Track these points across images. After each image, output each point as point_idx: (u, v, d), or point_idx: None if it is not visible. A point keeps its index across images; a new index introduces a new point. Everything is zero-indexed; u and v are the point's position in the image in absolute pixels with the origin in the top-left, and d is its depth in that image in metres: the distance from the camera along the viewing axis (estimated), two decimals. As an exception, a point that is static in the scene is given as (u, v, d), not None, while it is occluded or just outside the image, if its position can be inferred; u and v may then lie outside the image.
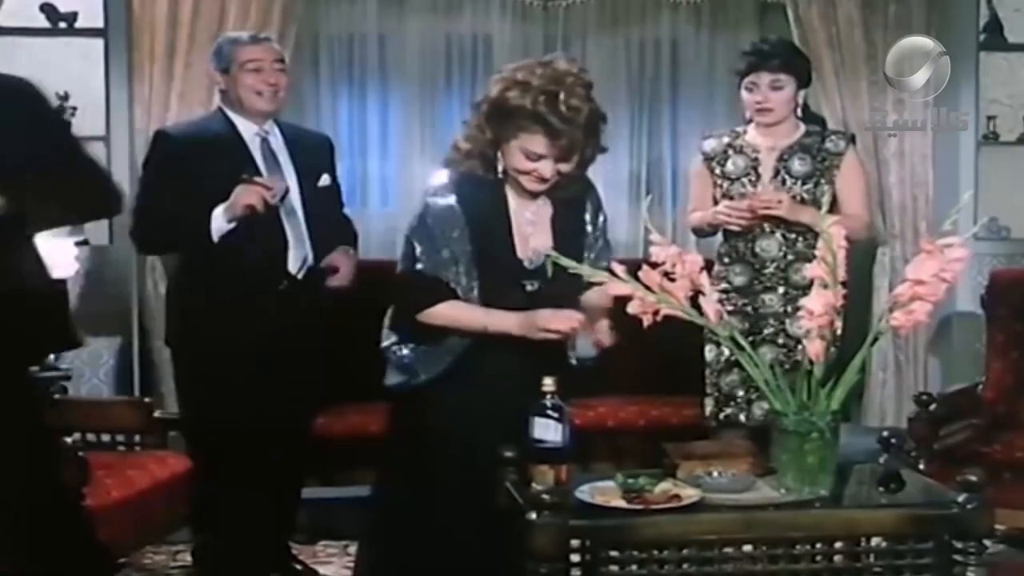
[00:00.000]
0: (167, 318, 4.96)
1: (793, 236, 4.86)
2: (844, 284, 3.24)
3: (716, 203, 4.96)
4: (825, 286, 3.21)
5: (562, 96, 3.51)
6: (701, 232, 5.10)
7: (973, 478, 3.19)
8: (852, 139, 5.11)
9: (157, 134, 4.86)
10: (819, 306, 3.21)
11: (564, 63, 3.63)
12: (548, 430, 3.41)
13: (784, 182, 4.88)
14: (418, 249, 3.65)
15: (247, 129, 4.71)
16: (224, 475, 4.67)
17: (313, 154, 4.84)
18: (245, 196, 4.49)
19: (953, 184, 6.56)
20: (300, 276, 4.68)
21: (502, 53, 7.15)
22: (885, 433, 3.67)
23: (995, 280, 5.85)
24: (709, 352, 4.93)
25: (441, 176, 3.73)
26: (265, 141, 4.73)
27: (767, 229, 4.86)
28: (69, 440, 4.37)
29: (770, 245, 4.86)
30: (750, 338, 4.28)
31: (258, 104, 4.67)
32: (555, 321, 3.52)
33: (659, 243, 3.31)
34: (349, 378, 4.93)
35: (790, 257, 4.85)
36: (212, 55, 4.79)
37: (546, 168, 3.58)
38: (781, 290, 4.85)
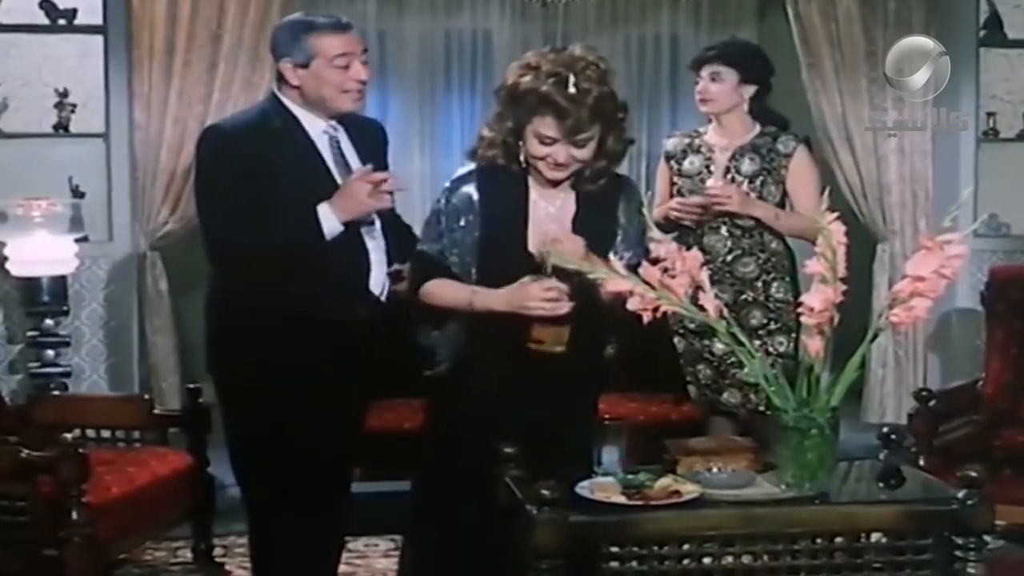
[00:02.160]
0: (216, 340, 4.07)
1: (739, 232, 4.96)
2: (845, 280, 3.24)
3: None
4: (824, 282, 3.20)
5: (572, 79, 3.52)
6: (661, 227, 5.15)
7: (973, 474, 3.19)
8: (806, 141, 5.20)
9: (209, 132, 4.08)
10: (818, 302, 3.20)
11: (580, 49, 3.66)
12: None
13: (733, 180, 4.99)
14: (424, 232, 3.74)
15: (313, 126, 3.98)
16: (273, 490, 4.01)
17: (374, 149, 4.12)
18: (374, 197, 3.86)
19: (953, 180, 6.57)
20: (383, 297, 4.02)
21: (501, 50, 7.18)
22: (885, 429, 3.67)
23: (995, 276, 5.85)
24: (679, 343, 5.04)
25: (468, 165, 3.77)
26: (334, 139, 4.01)
27: (714, 225, 4.96)
28: (69, 436, 4.37)
29: (717, 240, 4.96)
30: (702, 330, 4.52)
31: (344, 104, 3.95)
32: (542, 292, 3.48)
33: (659, 239, 3.31)
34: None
35: (736, 252, 4.96)
36: (285, 45, 3.95)
37: (560, 152, 3.58)
38: (728, 283, 4.93)
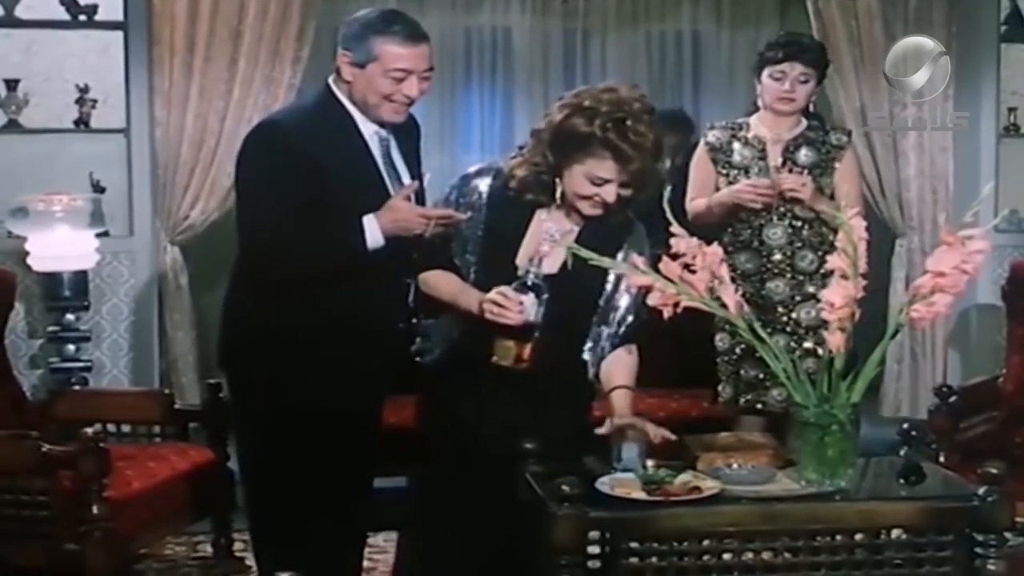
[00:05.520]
0: (241, 336, 3.92)
1: (799, 224, 4.94)
2: (864, 276, 3.23)
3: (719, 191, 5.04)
4: (845, 277, 3.20)
5: (629, 122, 3.52)
6: (702, 219, 5.09)
7: (994, 471, 3.18)
8: (850, 135, 5.22)
9: (264, 127, 3.86)
10: (839, 298, 3.20)
11: (626, 89, 3.64)
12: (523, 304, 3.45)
13: (791, 171, 4.95)
14: None
15: (367, 127, 3.78)
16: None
17: (413, 149, 3.95)
18: (415, 221, 3.68)
19: (973, 176, 6.56)
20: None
21: (522, 47, 7.18)
22: (906, 426, 3.66)
23: (1016, 272, 5.82)
24: (721, 341, 5.01)
25: (490, 163, 3.81)
26: (385, 142, 3.82)
27: (774, 218, 4.93)
28: (90, 431, 4.38)
29: (777, 232, 4.95)
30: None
31: (384, 113, 3.74)
32: (492, 295, 3.47)
33: (679, 234, 3.30)
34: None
35: (796, 244, 4.95)
36: (351, 38, 3.72)
37: (610, 193, 3.57)
38: (788, 277, 4.93)
